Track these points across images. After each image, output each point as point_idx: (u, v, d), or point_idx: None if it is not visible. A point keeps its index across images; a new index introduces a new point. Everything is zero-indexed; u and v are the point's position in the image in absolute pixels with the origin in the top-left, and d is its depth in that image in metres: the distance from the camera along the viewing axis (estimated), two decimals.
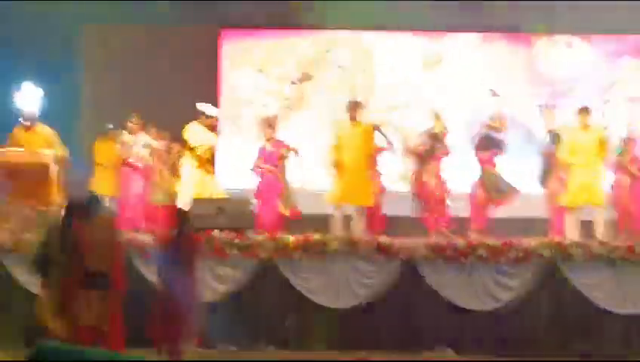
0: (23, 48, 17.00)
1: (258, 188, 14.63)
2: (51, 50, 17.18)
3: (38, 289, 10.08)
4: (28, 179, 13.33)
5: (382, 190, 15.05)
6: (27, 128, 13.87)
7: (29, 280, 11.53)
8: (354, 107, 14.19)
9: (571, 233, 13.61)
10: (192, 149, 14.11)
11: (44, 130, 13.97)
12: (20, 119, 13.99)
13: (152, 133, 15.18)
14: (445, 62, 18.49)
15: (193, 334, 10.40)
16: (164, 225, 13.66)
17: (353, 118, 14.08)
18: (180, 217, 10.59)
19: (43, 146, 13.69)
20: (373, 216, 14.55)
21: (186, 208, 12.29)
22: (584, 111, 14.06)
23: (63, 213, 10.12)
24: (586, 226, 13.81)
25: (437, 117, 14.72)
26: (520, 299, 12.41)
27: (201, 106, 14.39)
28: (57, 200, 13.27)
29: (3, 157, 13.49)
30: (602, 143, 13.78)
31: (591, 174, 13.70)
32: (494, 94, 15.61)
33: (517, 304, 12.41)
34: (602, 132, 14.11)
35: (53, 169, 13.50)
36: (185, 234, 10.45)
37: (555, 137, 14.73)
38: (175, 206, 12.21)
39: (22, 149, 13.57)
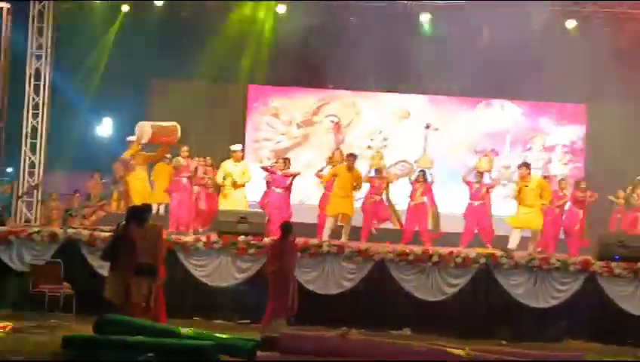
0: (104, 91, 16.78)
1: (269, 203, 14.31)
2: (126, 94, 16.94)
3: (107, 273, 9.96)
4: None
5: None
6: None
7: (100, 265, 11.29)
8: (350, 158, 13.89)
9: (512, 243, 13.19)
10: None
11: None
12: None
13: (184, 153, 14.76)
14: (412, 115, 18.15)
15: (293, 311, 10.56)
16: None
17: (350, 168, 13.78)
18: (284, 228, 10.64)
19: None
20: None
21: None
22: (523, 165, 13.68)
23: (126, 216, 9.98)
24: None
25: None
26: (461, 294, 12.16)
27: (232, 146, 14.34)
28: None
29: None
30: (543, 188, 13.46)
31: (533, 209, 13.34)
32: (429, 127, 15.26)
33: (459, 297, 12.17)
34: (541, 180, 13.77)
35: None
36: (288, 240, 10.60)
37: (478, 175, 14.51)
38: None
39: None
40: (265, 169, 14.51)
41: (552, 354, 9.62)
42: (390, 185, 14.74)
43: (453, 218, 15.15)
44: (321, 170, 14.95)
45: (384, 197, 14.58)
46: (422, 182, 14.55)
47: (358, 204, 14.62)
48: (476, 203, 14.42)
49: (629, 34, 16.63)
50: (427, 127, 15.23)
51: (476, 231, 14.54)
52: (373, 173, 14.60)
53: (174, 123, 13.89)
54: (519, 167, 13.73)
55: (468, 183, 14.55)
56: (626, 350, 11.57)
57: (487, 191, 14.52)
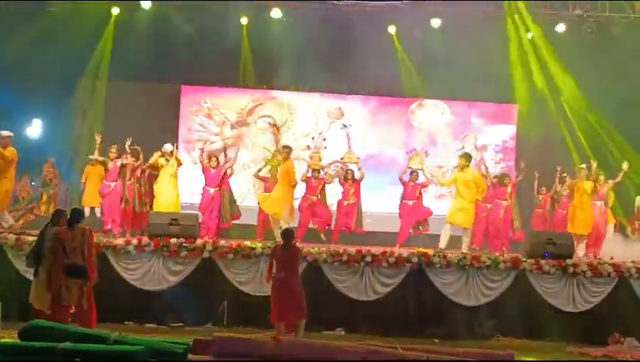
0: (32, 91, 16.34)
1: (201, 203, 14.20)
2: (56, 95, 16.58)
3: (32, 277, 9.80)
4: None
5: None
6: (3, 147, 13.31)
7: (26, 270, 10.86)
8: (285, 150, 13.80)
9: (443, 242, 13.46)
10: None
11: (11, 151, 13.39)
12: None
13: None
14: (346, 115, 18.17)
15: (304, 314, 10.39)
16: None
17: (285, 159, 13.70)
18: (287, 234, 10.61)
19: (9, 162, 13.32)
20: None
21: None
22: (465, 156, 13.90)
23: (52, 219, 9.86)
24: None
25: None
26: (394, 293, 12.22)
27: (165, 147, 14.16)
28: None
29: None
30: (478, 183, 13.63)
31: (465, 203, 13.54)
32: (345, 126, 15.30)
33: (392, 297, 12.22)
34: (476, 174, 13.92)
35: None
36: (292, 245, 10.52)
37: (413, 175, 14.57)
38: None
39: None
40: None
41: (484, 353, 9.68)
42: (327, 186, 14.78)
43: (387, 218, 15.30)
44: (259, 171, 14.90)
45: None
46: (351, 180, 14.60)
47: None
48: (410, 202, 14.48)
49: (558, 36, 17.03)
50: (344, 126, 15.28)
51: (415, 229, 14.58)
52: (310, 174, 14.56)
53: None
54: (460, 156, 13.94)
55: (404, 183, 14.62)
56: (556, 345, 11.78)
57: (421, 191, 14.60)
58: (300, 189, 14.43)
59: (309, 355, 8.72)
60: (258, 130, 18.11)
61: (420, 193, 14.55)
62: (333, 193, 14.90)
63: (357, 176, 14.68)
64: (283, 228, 13.20)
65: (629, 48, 16.53)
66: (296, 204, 14.35)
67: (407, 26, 17.10)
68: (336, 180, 14.91)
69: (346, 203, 14.58)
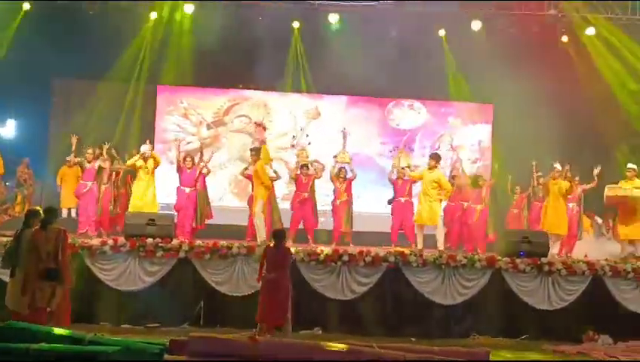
0: (7, 91, 16.17)
1: (177, 203, 14.19)
2: (30, 95, 16.42)
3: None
4: None
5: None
6: None
7: (1, 272, 10.70)
8: (255, 152, 13.73)
9: (419, 243, 13.49)
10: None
11: None
12: None
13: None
14: (323, 115, 18.17)
15: (284, 319, 10.34)
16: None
17: (254, 161, 13.59)
18: (277, 234, 10.60)
19: None
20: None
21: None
22: (434, 157, 13.87)
23: (25, 221, 9.79)
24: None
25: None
26: (371, 292, 12.21)
27: (141, 147, 14.11)
28: None
29: None
30: (441, 183, 13.62)
31: (429, 202, 13.51)
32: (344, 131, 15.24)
33: (369, 296, 12.21)
34: (442, 176, 13.90)
35: None
36: (282, 246, 10.50)
37: (399, 172, 14.53)
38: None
39: None
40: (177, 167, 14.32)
41: (460, 351, 9.70)
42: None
43: (369, 218, 15.32)
44: (245, 169, 14.84)
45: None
46: (342, 178, 14.54)
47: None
48: (403, 199, 14.46)
49: (532, 35, 17.11)
50: (344, 131, 15.21)
51: (401, 230, 14.56)
52: (299, 171, 14.50)
53: None
54: (430, 156, 13.94)
55: (393, 182, 14.59)
56: (531, 343, 11.88)
57: (411, 187, 14.56)
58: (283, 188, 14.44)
59: (286, 355, 8.71)
60: (235, 130, 18.07)
61: (410, 189, 14.54)
62: (323, 192, 14.90)
63: (349, 175, 14.63)
64: (259, 224, 13.22)
65: (602, 49, 16.68)
66: (280, 201, 14.33)
67: (383, 26, 17.10)
68: (325, 174, 14.86)
69: (338, 201, 14.52)
